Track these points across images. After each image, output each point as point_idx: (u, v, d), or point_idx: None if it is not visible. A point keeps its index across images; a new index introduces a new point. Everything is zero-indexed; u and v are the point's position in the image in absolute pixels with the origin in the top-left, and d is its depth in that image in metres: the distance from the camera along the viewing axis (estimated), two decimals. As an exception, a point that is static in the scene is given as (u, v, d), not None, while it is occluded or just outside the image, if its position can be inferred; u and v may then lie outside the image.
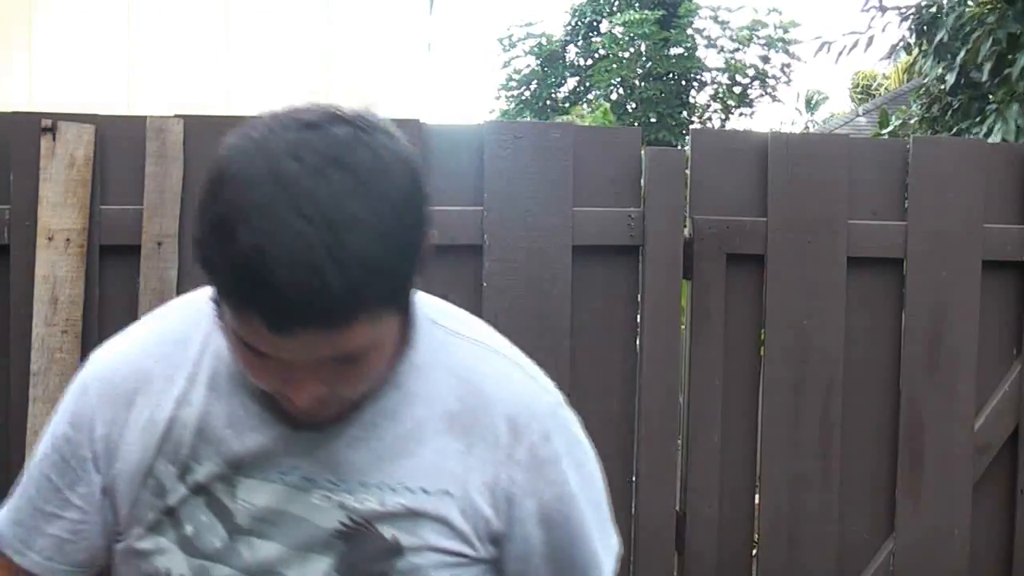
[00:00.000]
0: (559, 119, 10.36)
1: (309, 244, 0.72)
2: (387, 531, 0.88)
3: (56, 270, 2.21)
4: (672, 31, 17.59)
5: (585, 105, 15.60)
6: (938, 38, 5.05)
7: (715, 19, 18.33)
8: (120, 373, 0.93)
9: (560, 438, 0.94)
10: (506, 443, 0.91)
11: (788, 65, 18.83)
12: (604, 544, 0.99)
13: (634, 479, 2.37)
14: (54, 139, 2.23)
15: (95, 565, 0.97)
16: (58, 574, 0.95)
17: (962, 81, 4.89)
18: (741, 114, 18.96)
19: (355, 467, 0.88)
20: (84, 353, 2.22)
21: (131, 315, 2.24)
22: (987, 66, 4.63)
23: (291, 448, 0.89)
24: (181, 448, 0.90)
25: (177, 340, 0.94)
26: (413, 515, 0.89)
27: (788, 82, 19.19)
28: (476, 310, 2.19)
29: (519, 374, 0.96)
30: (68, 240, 2.22)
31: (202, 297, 0.91)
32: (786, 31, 18.56)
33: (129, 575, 0.94)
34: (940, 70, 5.07)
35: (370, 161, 0.76)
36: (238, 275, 0.74)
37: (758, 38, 18.41)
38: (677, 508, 2.40)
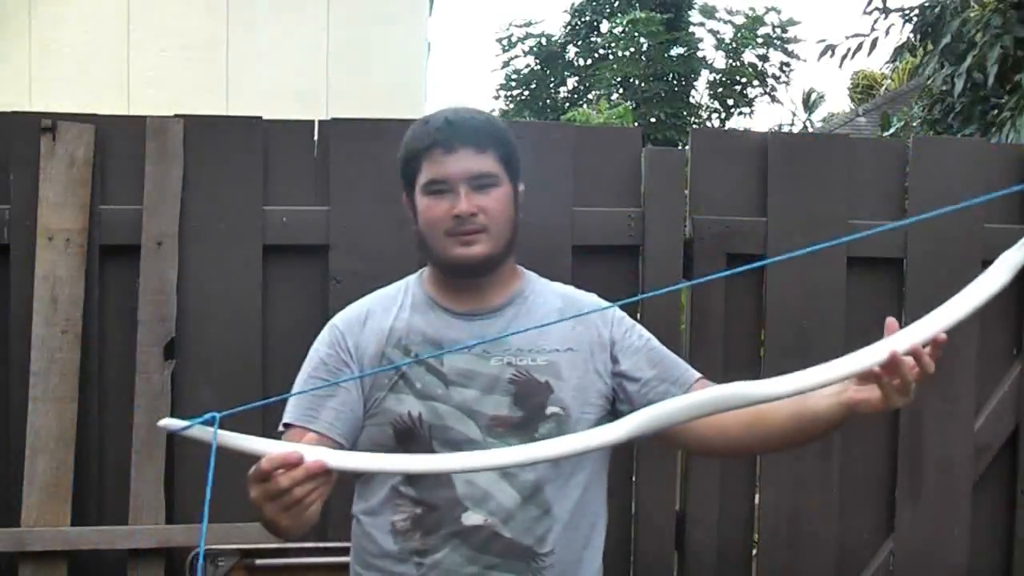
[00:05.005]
0: (566, 118, 10.22)
1: (462, 109, 1.46)
2: (541, 377, 1.45)
3: (56, 270, 2.21)
4: (682, 32, 17.53)
5: (590, 104, 15.50)
6: (944, 42, 5.04)
7: (730, 21, 18.24)
8: (354, 312, 1.52)
9: (638, 324, 1.57)
10: (599, 319, 1.52)
11: (787, 64, 18.76)
12: (684, 363, 1.55)
13: (634, 479, 2.38)
14: (54, 139, 2.22)
15: (353, 437, 1.45)
16: (334, 433, 1.42)
17: (969, 85, 4.88)
18: (740, 113, 18.89)
19: (512, 342, 1.44)
20: (84, 353, 2.22)
21: (131, 315, 2.24)
22: (993, 71, 4.62)
23: (472, 334, 1.45)
24: (401, 339, 1.47)
25: (386, 295, 1.54)
26: (553, 365, 1.45)
27: (787, 82, 19.13)
28: (476, 310, 2.20)
29: (602, 301, 1.57)
30: (68, 240, 2.21)
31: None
32: (784, 30, 18.49)
33: (378, 427, 1.45)
34: (946, 74, 5.06)
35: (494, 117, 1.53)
36: (427, 130, 1.43)
37: (756, 37, 18.32)
38: (677, 508, 2.40)
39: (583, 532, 1.49)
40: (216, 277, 2.27)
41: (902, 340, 1.22)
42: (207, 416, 1.09)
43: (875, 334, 2.54)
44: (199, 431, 1.09)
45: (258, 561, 2.16)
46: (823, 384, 1.20)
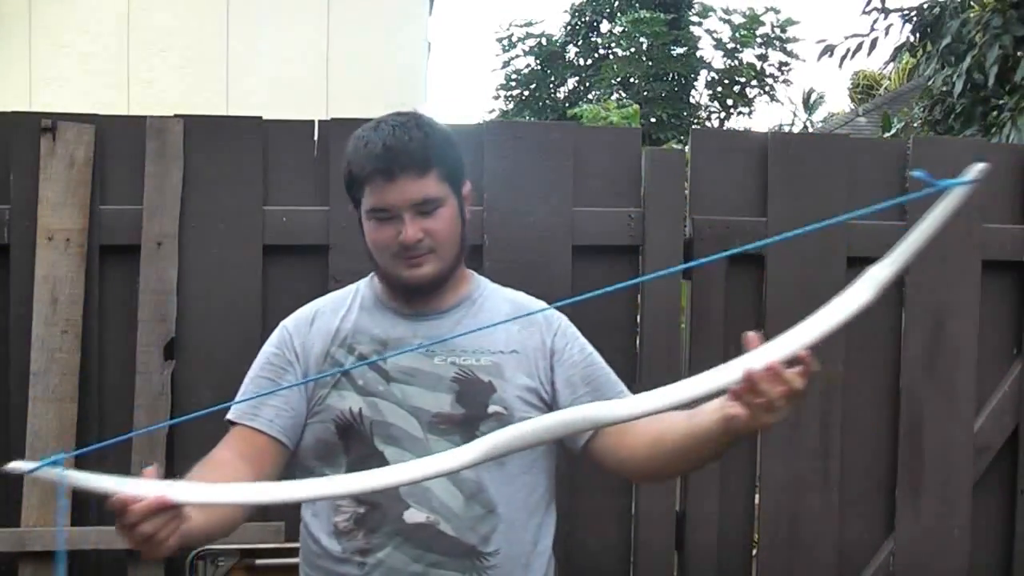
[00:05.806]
0: (573, 114, 10.15)
1: (399, 128, 1.42)
2: (484, 377, 1.47)
3: (56, 270, 2.21)
4: (683, 31, 17.50)
5: (592, 104, 15.43)
6: (944, 43, 5.03)
7: (728, 21, 18.20)
8: (303, 313, 1.56)
9: (582, 336, 1.58)
10: (544, 327, 1.54)
11: (786, 64, 18.73)
12: (620, 384, 1.56)
13: (634, 479, 2.38)
14: (54, 139, 2.23)
15: (296, 434, 1.49)
16: (274, 431, 1.47)
17: (969, 86, 4.88)
18: (740, 113, 18.86)
19: (457, 342, 1.46)
20: (84, 353, 2.22)
21: (131, 315, 2.24)
22: (993, 71, 4.62)
23: (417, 333, 1.49)
24: (347, 338, 1.50)
25: (337, 297, 1.58)
26: (497, 366, 1.48)
27: (786, 82, 19.09)
28: (476, 310, 2.20)
29: (553, 311, 1.59)
30: (68, 240, 2.21)
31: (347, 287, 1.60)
32: (783, 30, 18.45)
33: (322, 424, 1.47)
34: (946, 75, 5.06)
35: (434, 121, 1.47)
36: (366, 155, 1.41)
37: (755, 37, 18.28)
38: (677, 508, 2.40)
39: (530, 532, 1.50)
40: (216, 277, 2.27)
41: (759, 357, 1.17)
42: (54, 458, 1.10)
43: (875, 334, 2.54)
44: (47, 472, 1.10)
45: (258, 561, 2.16)
46: (674, 405, 1.16)
